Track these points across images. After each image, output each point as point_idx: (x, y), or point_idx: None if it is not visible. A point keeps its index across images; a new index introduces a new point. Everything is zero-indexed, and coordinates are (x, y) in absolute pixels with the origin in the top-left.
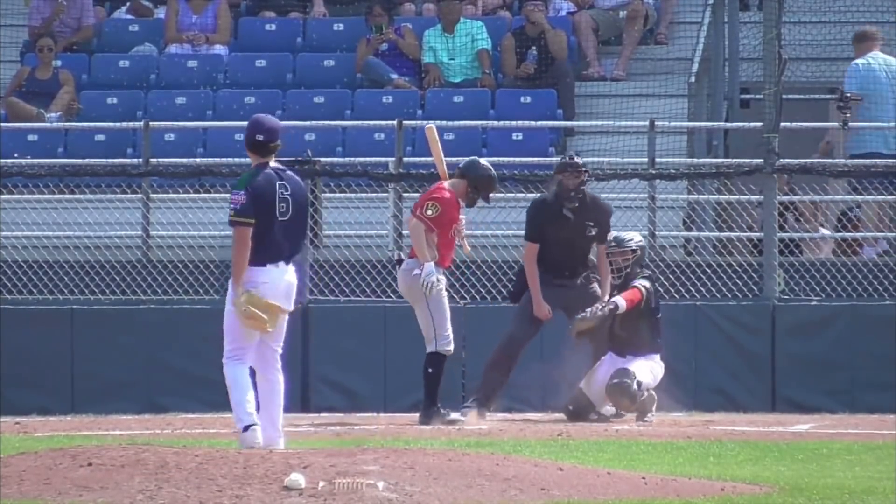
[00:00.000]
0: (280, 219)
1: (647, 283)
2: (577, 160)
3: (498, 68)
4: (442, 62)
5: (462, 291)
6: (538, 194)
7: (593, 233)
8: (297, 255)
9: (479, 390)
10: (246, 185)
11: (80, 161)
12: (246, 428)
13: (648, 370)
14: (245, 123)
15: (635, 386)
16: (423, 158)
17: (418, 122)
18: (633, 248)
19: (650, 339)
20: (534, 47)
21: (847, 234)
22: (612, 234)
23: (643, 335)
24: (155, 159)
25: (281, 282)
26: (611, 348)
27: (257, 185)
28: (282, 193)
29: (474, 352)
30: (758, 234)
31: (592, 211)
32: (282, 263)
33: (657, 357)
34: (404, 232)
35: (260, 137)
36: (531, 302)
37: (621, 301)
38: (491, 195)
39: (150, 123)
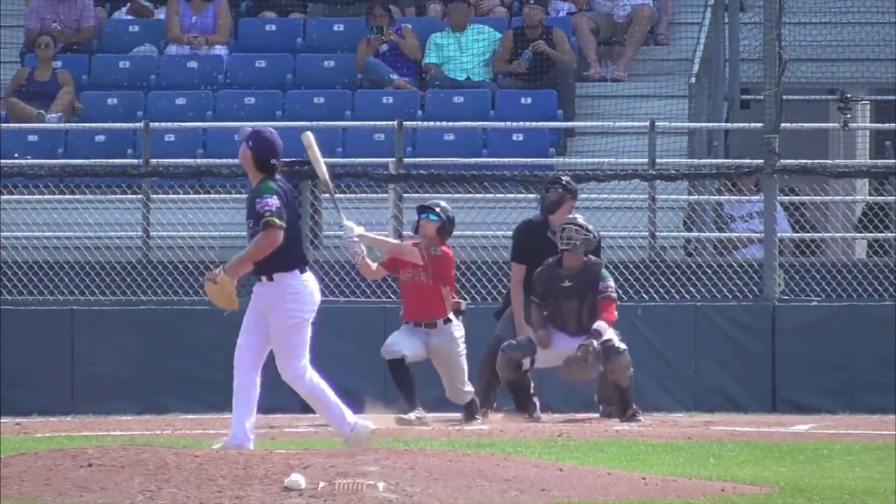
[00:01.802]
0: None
1: (612, 284)
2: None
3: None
4: (448, 57)
5: (462, 292)
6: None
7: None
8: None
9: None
10: (274, 191)
11: (80, 161)
12: (352, 429)
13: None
14: (244, 125)
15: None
16: (423, 159)
17: (418, 122)
18: (591, 235)
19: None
20: (529, 48)
21: (847, 235)
22: (573, 216)
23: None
24: (155, 160)
25: (316, 288)
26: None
27: (283, 192)
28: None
29: (475, 352)
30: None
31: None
32: (307, 269)
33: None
34: (404, 233)
35: (274, 161)
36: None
37: (603, 326)
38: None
39: (151, 124)
